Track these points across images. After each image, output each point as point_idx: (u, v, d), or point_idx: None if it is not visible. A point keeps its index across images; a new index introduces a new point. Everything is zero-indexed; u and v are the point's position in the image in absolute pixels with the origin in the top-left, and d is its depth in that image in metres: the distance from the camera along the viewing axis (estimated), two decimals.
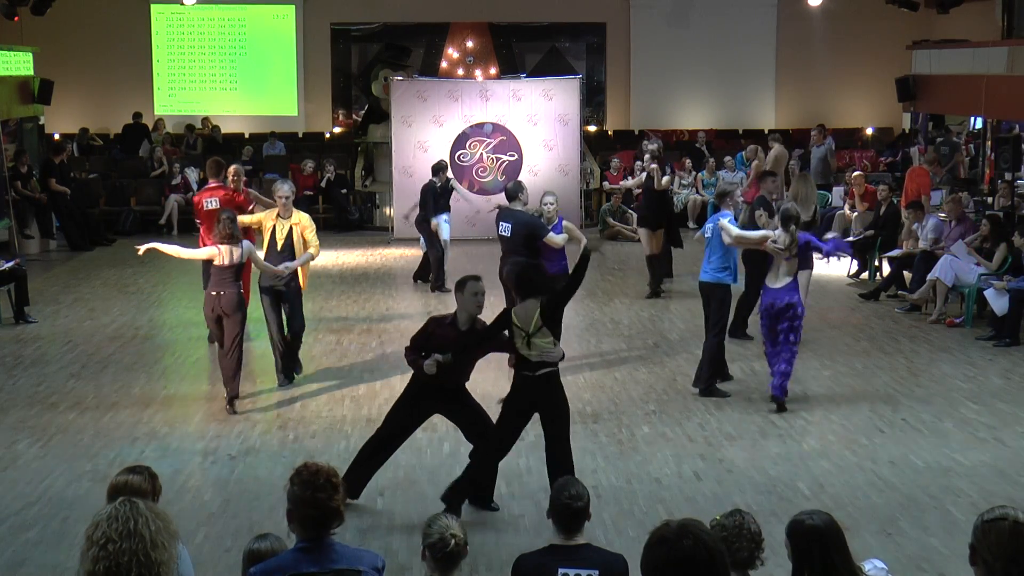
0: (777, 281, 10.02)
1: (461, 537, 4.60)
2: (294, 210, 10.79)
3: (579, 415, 9.97)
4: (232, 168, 12.31)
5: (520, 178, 14.10)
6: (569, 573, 4.84)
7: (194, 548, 6.62)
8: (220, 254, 9.95)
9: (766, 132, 23.17)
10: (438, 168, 15.79)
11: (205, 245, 11.12)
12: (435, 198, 15.56)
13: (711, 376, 10.58)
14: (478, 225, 19.00)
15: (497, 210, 11.65)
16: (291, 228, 10.63)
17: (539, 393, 7.59)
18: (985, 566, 3.54)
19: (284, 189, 10.67)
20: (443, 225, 15.58)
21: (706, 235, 10.56)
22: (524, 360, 7.54)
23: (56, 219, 19.17)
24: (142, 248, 10.25)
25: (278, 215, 10.69)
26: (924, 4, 22.50)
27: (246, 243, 10.16)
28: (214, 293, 10.04)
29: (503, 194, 11.98)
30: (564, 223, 11.19)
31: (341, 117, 26.12)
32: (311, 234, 10.72)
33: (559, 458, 7.63)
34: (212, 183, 12.31)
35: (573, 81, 20.14)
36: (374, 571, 4.36)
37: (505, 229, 10.82)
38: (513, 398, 7.76)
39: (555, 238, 10.91)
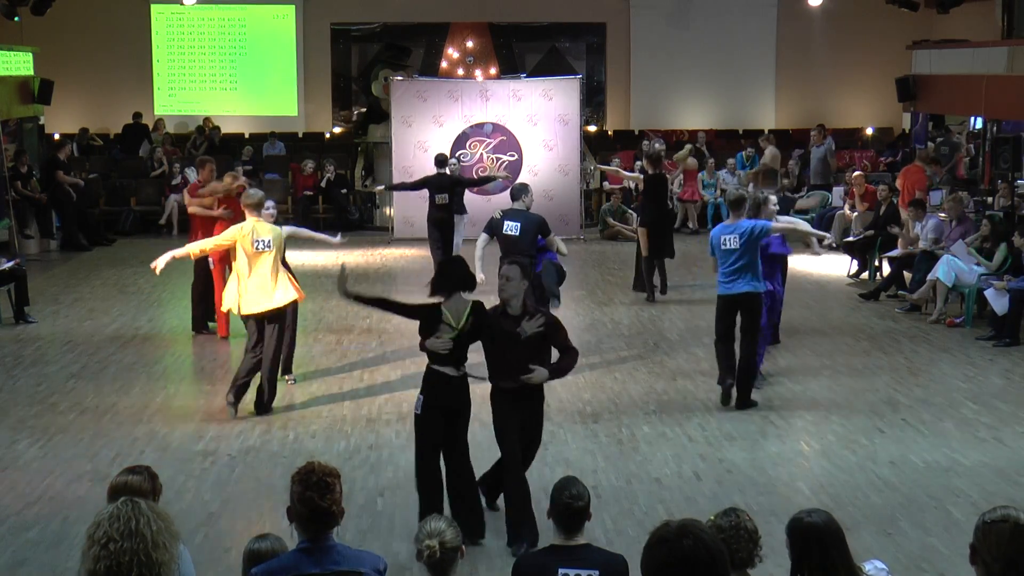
0: None
1: (436, 547, 4.44)
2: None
3: (579, 415, 9.99)
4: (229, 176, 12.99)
5: (521, 178, 14.12)
6: (569, 573, 4.84)
7: (194, 548, 6.61)
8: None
9: (765, 132, 23.19)
10: (444, 160, 15.30)
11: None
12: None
13: (749, 387, 10.14)
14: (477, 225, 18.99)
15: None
16: None
17: (456, 394, 7.23)
18: (985, 567, 3.55)
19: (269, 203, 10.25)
20: (461, 226, 15.33)
21: (727, 247, 9.73)
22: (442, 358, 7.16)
23: (57, 218, 19.18)
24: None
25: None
26: (924, 4, 22.49)
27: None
28: None
29: (507, 194, 12.08)
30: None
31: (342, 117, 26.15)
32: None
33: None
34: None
35: (573, 81, 20.14)
36: (376, 573, 4.36)
37: (514, 228, 10.81)
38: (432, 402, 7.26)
39: (555, 240, 11.34)
